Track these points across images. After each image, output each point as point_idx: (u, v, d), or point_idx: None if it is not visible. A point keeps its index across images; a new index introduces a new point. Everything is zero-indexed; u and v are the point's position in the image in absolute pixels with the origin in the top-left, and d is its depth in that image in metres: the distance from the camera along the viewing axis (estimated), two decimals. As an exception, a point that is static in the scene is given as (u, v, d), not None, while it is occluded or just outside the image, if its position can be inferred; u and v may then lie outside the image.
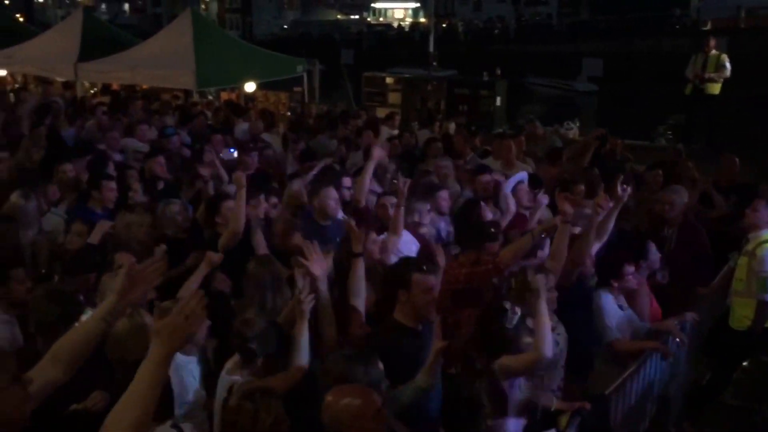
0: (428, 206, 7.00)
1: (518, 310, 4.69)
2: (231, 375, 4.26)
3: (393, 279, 4.76)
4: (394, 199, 6.54)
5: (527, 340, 4.57)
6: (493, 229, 6.24)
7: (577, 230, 6.48)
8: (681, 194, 7.73)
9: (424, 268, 4.70)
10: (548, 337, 4.49)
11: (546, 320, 4.52)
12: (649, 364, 6.11)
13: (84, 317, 4.66)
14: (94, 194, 7.55)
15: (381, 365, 4.00)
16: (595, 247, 6.11)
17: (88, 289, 5.45)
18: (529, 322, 4.67)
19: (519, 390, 4.54)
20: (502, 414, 4.46)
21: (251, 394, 3.67)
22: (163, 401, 3.56)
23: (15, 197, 6.94)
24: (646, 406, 6.35)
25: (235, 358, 4.38)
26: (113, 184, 7.66)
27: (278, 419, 3.55)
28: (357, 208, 7.00)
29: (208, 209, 6.99)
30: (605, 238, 6.21)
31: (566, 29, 61.83)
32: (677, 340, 6.27)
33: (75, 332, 3.24)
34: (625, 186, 6.23)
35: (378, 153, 7.53)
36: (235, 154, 9.87)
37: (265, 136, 12.02)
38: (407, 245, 6.36)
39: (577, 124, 16.30)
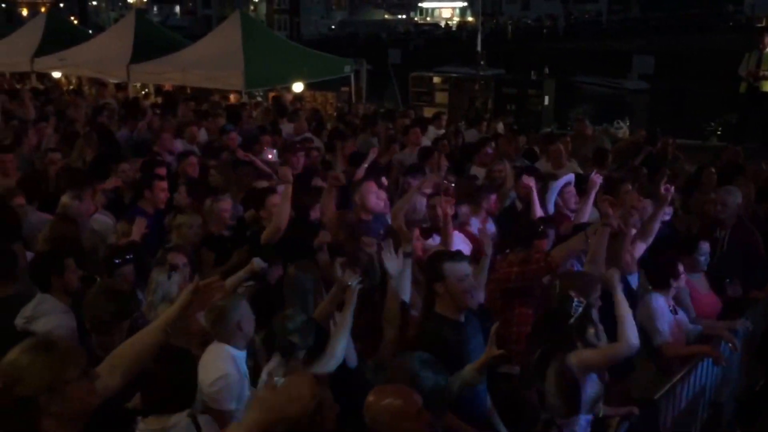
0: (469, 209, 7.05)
1: (583, 300, 4.66)
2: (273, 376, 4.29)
3: (428, 274, 4.76)
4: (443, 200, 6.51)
5: (591, 331, 4.55)
6: (541, 227, 6.21)
7: (632, 231, 6.46)
8: (735, 195, 7.54)
9: (455, 256, 4.70)
10: (632, 325, 4.47)
11: (625, 310, 4.52)
12: (701, 368, 5.97)
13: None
14: (146, 194, 7.56)
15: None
16: (641, 248, 6.02)
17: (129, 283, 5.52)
18: (594, 313, 4.65)
19: (593, 385, 4.48)
20: (575, 411, 4.36)
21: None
22: (184, 392, 3.70)
23: (66, 198, 7.04)
24: (697, 411, 6.19)
25: (274, 361, 4.40)
26: (165, 185, 7.69)
27: (330, 404, 3.57)
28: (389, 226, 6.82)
29: (253, 202, 7.04)
30: (651, 240, 6.11)
31: (616, 27, 61.10)
32: (729, 345, 6.11)
33: (135, 341, 3.29)
34: (668, 186, 6.12)
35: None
36: (270, 156, 9.98)
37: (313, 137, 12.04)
38: (458, 247, 6.33)
39: (627, 123, 16.10)
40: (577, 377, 4.35)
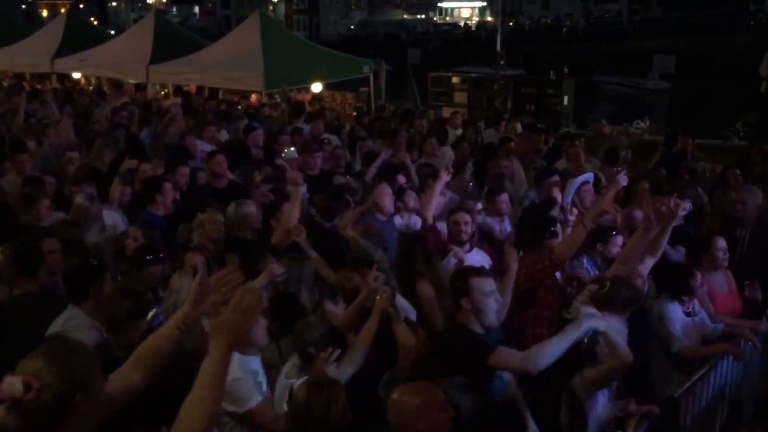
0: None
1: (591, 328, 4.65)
2: (289, 378, 4.29)
3: (454, 288, 4.77)
4: (466, 216, 6.56)
5: (602, 350, 4.51)
6: (552, 228, 6.25)
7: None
8: (755, 194, 7.58)
9: (482, 272, 4.73)
10: (619, 341, 4.40)
11: (618, 325, 4.48)
12: (721, 367, 6.00)
13: (150, 315, 4.80)
14: (157, 198, 7.56)
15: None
16: (649, 263, 5.87)
17: (152, 286, 5.61)
18: (601, 339, 4.57)
19: (601, 407, 4.51)
20: (580, 430, 4.44)
21: (320, 387, 3.72)
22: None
23: (79, 199, 7.14)
24: (717, 410, 6.23)
25: (293, 361, 4.42)
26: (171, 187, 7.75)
27: (345, 408, 3.60)
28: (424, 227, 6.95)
29: (269, 212, 7.15)
30: (659, 254, 5.93)
31: (637, 26, 60.80)
32: (750, 343, 6.14)
33: (152, 339, 3.32)
34: (678, 201, 5.80)
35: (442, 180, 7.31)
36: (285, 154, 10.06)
37: (333, 136, 12.09)
38: (477, 262, 6.35)
39: (647, 123, 16.02)
40: (582, 399, 4.42)
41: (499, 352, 4.37)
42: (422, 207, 7.16)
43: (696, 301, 6.10)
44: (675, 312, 5.91)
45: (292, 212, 6.48)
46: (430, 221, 6.94)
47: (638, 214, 7.23)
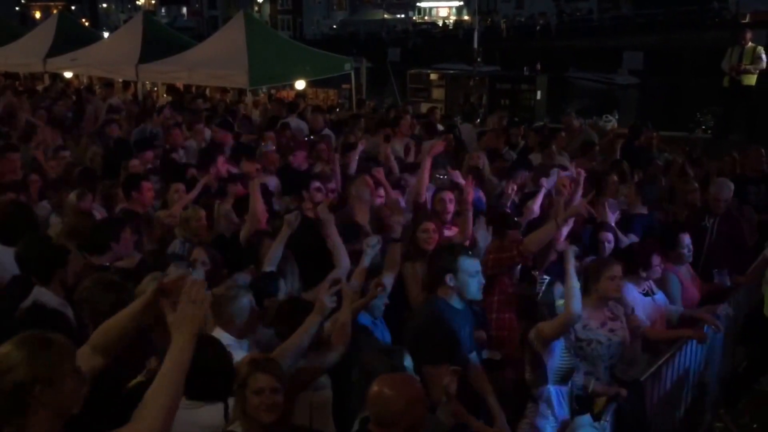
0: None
1: (546, 277, 5.02)
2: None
3: (440, 263, 4.92)
4: (450, 194, 6.83)
5: (560, 303, 4.81)
6: (515, 218, 6.50)
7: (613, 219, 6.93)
8: (726, 186, 7.80)
9: (471, 251, 4.93)
10: (577, 296, 4.64)
11: (574, 282, 4.68)
12: (685, 350, 6.09)
13: None
14: (134, 195, 7.61)
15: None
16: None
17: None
18: (556, 291, 4.93)
19: (558, 357, 4.72)
20: (543, 382, 4.68)
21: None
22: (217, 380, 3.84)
23: (72, 196, 7.29)
24: (682, 393, 6.35)
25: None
26: (151, 185, 7.86)
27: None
28: (417, 203, 7.10)
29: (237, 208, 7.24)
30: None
31: (607, 24, 61.63)
32: (712, 327, 6.25)
33: (113, 321, 3.42)
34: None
35: (436, 149, 7.48)
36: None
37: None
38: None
39: (616, 117, 16.37)
40: (538, 349, 4.66)
41: (443, 370, 4.37)
42: (416, 184, 7.30)
43: (652, 282, 6.19)
44: (632, 294, 5.98)
45: (254, 208, 6.60)
46: (423, 198, 7.10)
47: (611, 202, 7.56)
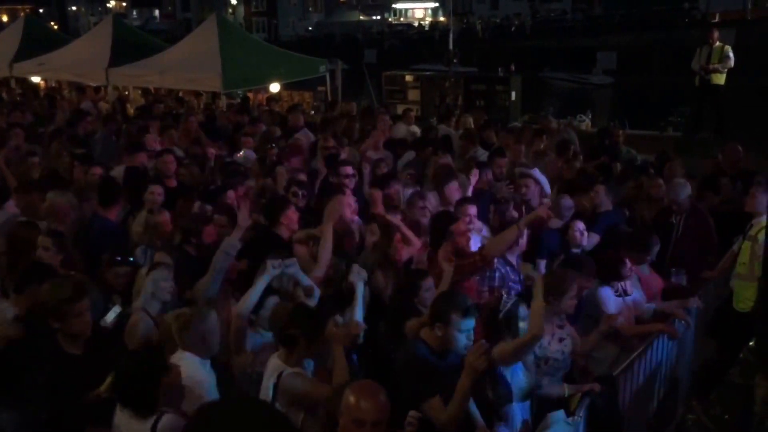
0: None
1: (512, 297, 5.05)
2: (279, 360, 4.60)
3: (433, 312, 4.74)
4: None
5: (522, 324, 4.83)
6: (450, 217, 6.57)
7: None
8: (685, 186, 7.96)
9: (469, 311, 4.62)
10: (540, 319, 4.67)
11: (539, 304, 4.72)
12: (656, 345, 6.21)
13: (112, 311, 5.11)
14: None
15: None
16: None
17: (118, 287, 5.86)
18: (522, 309, 4.93)
19: (520, 376, 4.81)
20: (508, 400, 4.69)
21: None
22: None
23: (51, 195, 7.31)
24: (655, 386, 6.46)
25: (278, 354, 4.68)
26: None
27: None
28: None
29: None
30: None
31: (581, 25, 62.25)
32: (683, 321, 6.45)
33: None
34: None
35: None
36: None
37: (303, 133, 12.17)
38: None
39: (589, 116, 16.53)
40: (501, 371, 4.68)
41: (432, 404, 4.36)
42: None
43: (628, 282, 6.36)
44: (607, 293, 6.18)
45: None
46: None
47: (567, 201, 7.70)
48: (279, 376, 4.43)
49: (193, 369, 4.46)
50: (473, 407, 4.65)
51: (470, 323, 4.58)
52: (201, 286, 5.81)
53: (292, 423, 3.69)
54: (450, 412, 4.23)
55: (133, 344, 5.08)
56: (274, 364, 4.56)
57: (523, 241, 6.36)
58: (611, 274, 6.29)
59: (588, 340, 5.85)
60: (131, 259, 6.07)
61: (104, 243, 6.83)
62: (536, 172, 8.74)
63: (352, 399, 3.53)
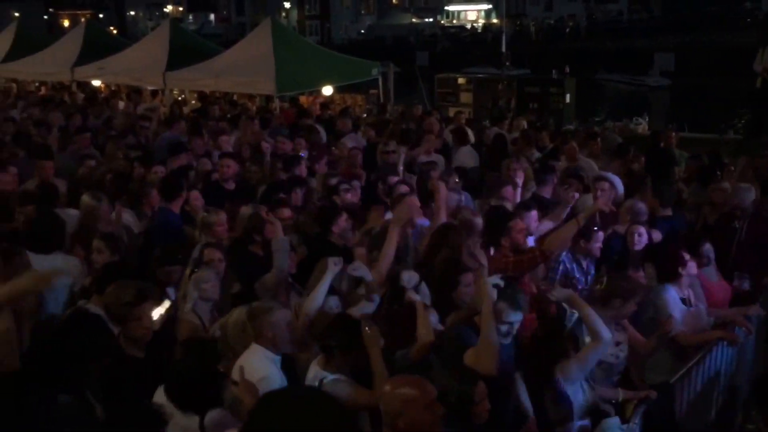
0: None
1: (575, 314, 4.96)
2: (318, 366, 4.60)
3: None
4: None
5: (587, 339, 4.81)
6: (508, 212, 6.54)
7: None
8: (750, 191, 7.84)
9: (515, 304, 4.68)
10: (599, 321, 4.67)
11: (589, 309, 4.73)
12: (715, 353, 6.07)
13: (163, 307, 5.14)
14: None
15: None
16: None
17: (173, 282, 5.92)
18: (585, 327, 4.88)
19: (583, 393, 4.76)
20: (569, 419, 4.66)
21: None
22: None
23: (86, 198, 7.39)
24: (713, 395, 6.31)
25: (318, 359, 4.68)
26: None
27: None
28: None
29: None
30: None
31: (637, 25, 61.27)
32: (743, 329, 6.23)
33: None
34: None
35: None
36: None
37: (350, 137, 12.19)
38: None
39: (646, 119, 16.28)
40: (564, 388, 4.64)
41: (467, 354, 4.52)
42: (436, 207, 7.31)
43: (692, 292, 6.20)
44: (674, 298, 5.99)
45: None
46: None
47: (640, 205, 7.54)
48: (320, 382, 4.43)
49: (262, 363, 4.53)
50: (525, 397, 4.71)
51: (518, 316, 4.65)
52: (267, 283, 5.84)
53: (351, 415, 3.76)
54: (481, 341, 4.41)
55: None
56: (315, 371, 4.56)
57: (598, 245, 6.37)
58: (673, 266, 6.07)
59: (648, 344, 5.73)
60: (179, 256, 6.11)
61: (167, 234, 7.06)
62: (610, 175, 8.57)
63: (410, 391, 3.54)
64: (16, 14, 52.10)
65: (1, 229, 7.08)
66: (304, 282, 5.86)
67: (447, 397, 3.80)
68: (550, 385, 4.65)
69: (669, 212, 7.88)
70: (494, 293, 4.59)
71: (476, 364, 4.41)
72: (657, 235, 7.17)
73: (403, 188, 7.87)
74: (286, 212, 7.08)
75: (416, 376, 3.75)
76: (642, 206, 7.53)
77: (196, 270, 5.75)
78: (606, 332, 4.68)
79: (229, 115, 15.24)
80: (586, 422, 4.77)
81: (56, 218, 6.80)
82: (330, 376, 4.44)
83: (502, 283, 4.67)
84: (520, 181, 8.23)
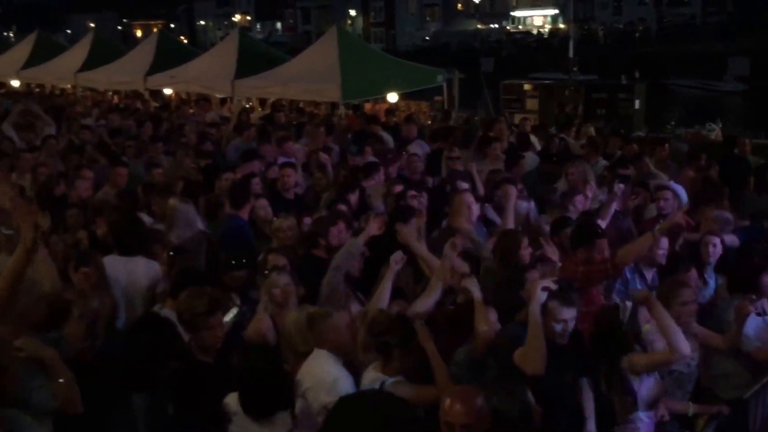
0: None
1: (629, 305, 4.94)
2: (376, 371, 4.63)
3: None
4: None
5: (645, 327, 4.82)
6: (599, 229, 6.38)
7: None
8: None
9: (566, 301, 4.71)
10: (680, 335, 4.60)
11: (669, 320, 4.65)
12: None
13: (230, 312, 5.26)
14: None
15: None
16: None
17: (237, 288, 6.03)
18: (641, 316, 4.87)
19: (647, 387, 4.72)
20: (634, 408, 4.66)
21: None
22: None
23: (172, 201, 7.56)
24: None
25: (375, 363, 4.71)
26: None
27: None
28: None
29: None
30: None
31: (710, 29, 59.59)
32: None
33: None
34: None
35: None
36: None
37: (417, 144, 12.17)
38: None
39: (719, 125, 15.87)
40: (629, 379, 4.64)
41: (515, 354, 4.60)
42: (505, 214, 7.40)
43: (766, 300, 5.91)
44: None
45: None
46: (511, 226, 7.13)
47: (725, 214, 7.35)
48: (381, 385, 4.43)
49: (331, 365, 4.59)
50: (590, 405, 4.76)
51: (571, 312, 4.65)
52: (324, 285, 5.91)
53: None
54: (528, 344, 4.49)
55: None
56: (372, 376, 4.57)
57: (662, 251, 6.26)
58: (746, 285, 5.88)
59: (726, 338, 5.59)
60: (244, 260, 6.19)
61: (235, 241, 7.18)
62: (673, 184, 8.42)
63: (447, 402, 3.75)
64: (92, 25, 53.89)
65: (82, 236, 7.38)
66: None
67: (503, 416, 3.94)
68: (615, 376, 4.67)
69: (746, 222, 7.69)
70: (543, 295, 4.59)
71: (523, 364, 4.49)
72: (732, 240, 7.01)
73: (463, 185, 7.96)
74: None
75: (466, 386, 3.99)
76: (728, 216, 7.32)
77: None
78: (685, 348, 4.60)
79: (295, 122, 15.47)
80: (651, 413, 4.74)
81: (140, 223, 7.09)
82: (390, 379, 4.46)
83: (554, 286, 4.66)
84: (589, 193, 8.12)
